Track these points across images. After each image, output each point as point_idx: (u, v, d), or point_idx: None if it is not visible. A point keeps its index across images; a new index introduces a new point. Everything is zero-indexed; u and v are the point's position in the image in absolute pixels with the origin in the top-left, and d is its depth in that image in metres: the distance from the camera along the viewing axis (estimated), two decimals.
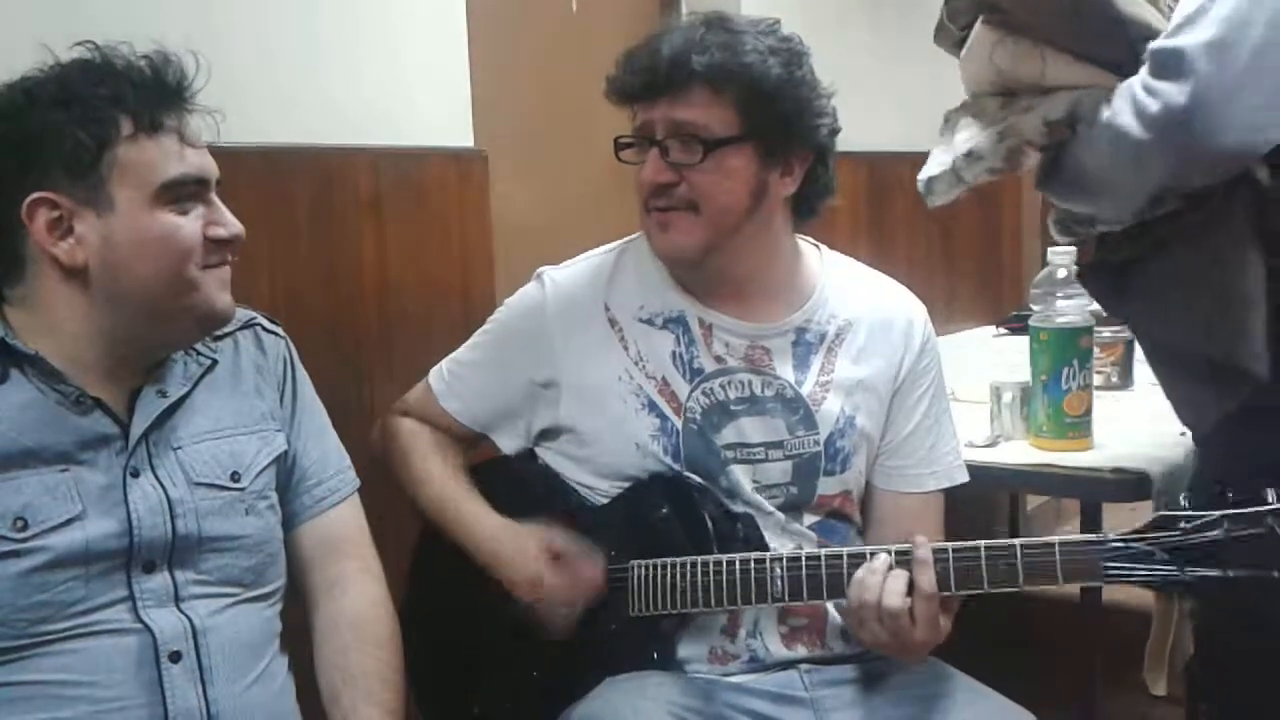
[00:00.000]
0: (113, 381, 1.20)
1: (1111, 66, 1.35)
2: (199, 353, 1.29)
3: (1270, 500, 1.16)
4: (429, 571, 1.59)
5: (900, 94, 2.93)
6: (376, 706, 1.30)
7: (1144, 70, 1.28)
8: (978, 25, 1.45)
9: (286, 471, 1.35)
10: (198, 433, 1.25)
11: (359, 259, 1.86)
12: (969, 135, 1.45)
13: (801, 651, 1.44)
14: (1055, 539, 1.23)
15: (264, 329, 1.37)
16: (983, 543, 1.26)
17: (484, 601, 1.45)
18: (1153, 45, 1.28)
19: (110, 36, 1.20)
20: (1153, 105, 1.24)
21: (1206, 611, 1.61)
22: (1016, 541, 1.24)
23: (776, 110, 1.36)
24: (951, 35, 1.54)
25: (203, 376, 1.28)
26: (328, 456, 1.40)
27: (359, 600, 1.36)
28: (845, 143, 1.49)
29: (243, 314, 1.34)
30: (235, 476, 1.26)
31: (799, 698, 1.41)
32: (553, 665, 1.42)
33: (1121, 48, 1.33)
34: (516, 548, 1.43)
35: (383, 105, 1.90)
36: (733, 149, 1.36)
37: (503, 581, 1.44)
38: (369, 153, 1.86)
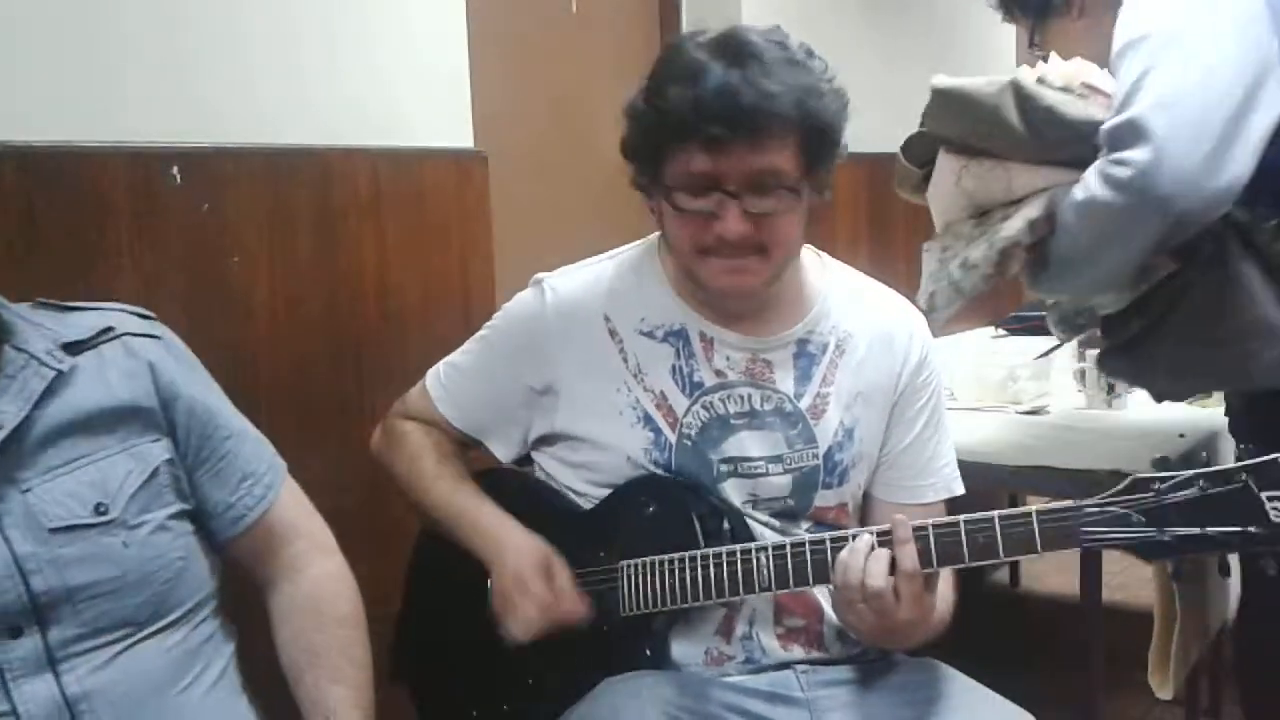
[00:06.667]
0: None
1: (1071, 163, 1.44)
2: (41, 362, 1.11)
3: (1242, 454, 1.17)
4: (427, 573, 1.59)
5: (900, 95, 2.92)
6: (342, 684, 1.24)
7: (1103, 151, 1.37)
8: (940, 156, 1.56)
9: (227, 475, 1.26)
10: (48, 467, 1.09)
11: (359, 260, 1.86)
12: (957, 250, 1.56)
13: (798, 653, 1.44)
14: (1032, 508, 1.23)
15: (132, 335, 1.21)
16: (962, 517, 1.26)
17: (482, 603, 1.45)
18: (1104, 127, 1.38)
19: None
20: (1123, 172, 1.33)
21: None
22: (994, 513, 1.25)
23: (832, 146, 1.35)
24: (913, 178, 1.65)
25: (45, 394, 1.10)
26: (258, 449, 1.31)
27: (317, 577, 1.31)
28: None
29: (100, 321, 1.19)
30: (101, 509, 1.11)
31: (795, 698, 1.41)
32: (549, 667, 1.42)
33: (1076, 146, 1.44)
34: (517, 545, 1.42)
35: (383, 106, 1.90)
36: (802, 190, 1.34)
37: (491, 571, 1.42)
38: (369, 153, 1.87)
